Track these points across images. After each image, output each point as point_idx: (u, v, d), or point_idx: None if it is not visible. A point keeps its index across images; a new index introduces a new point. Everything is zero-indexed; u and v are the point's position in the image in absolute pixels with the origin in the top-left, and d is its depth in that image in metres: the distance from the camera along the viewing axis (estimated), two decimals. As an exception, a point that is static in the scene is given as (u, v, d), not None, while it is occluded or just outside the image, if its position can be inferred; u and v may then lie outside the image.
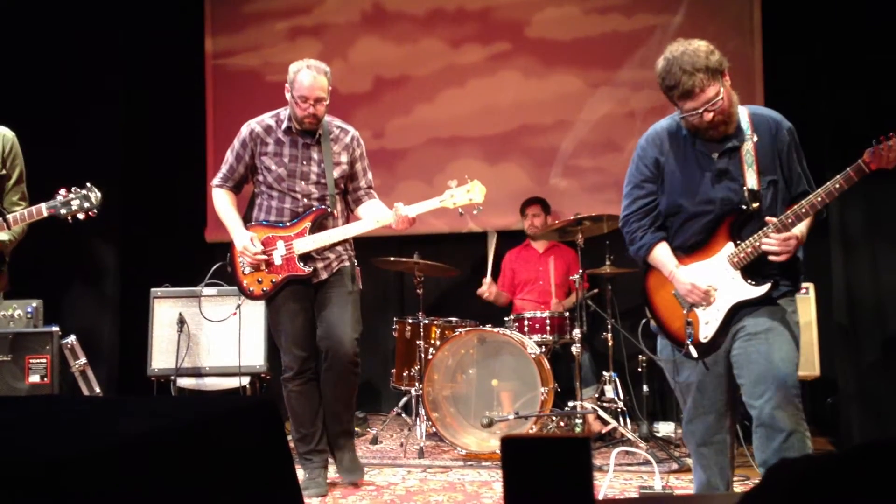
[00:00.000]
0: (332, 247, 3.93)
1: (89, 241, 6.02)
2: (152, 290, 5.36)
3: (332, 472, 4.12)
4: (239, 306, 4.33)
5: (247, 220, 4.05)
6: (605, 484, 4.00)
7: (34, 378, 4.68)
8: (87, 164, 5.81)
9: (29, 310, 4.89)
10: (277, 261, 3.90)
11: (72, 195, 3.94)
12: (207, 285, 5.22)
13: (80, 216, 3.96)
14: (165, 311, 5.29)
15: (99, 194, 3.96)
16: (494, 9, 6.30)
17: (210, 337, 5.24)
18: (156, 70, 6.39)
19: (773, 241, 2.72)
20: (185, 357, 5.19)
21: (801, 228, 2.75)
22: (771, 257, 2.74)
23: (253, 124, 4.00)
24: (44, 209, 3.94)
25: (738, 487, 3.67)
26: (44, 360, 4.71)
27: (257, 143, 3.96)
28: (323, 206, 3.91)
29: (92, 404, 2.52)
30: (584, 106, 6.11)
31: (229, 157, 4.06)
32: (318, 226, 3.90)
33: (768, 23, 5.71)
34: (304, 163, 3.91)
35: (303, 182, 3.92)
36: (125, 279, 6.14)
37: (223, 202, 4.09)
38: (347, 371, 3.94)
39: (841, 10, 4.83)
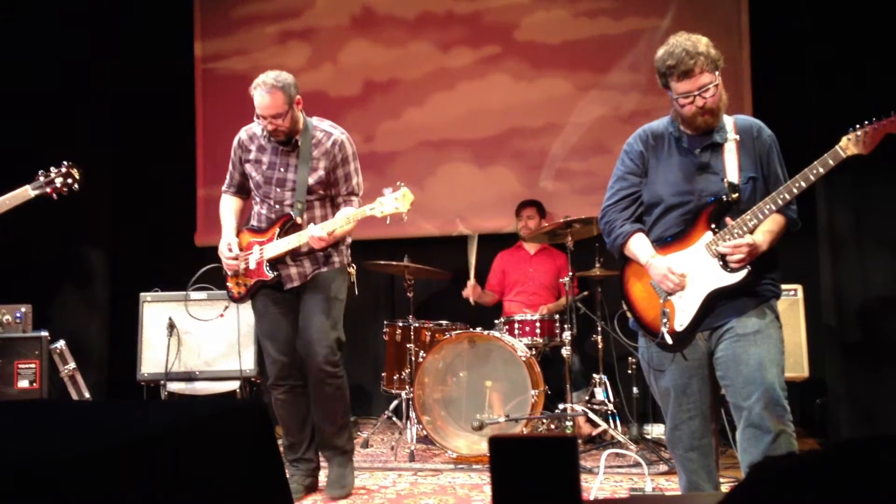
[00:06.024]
0: (310, 253, 3.90)
1: (78, 246, 6.01)
2: (142, 294, 5.35)
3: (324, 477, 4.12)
4: (227, 308, 4.35)
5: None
6: (596, 486, 4.01)
7: (23, 383, 4.66)
8: (76, 167, 5.81)
9: (18, 315, 4.86)
10: (252, 265, 3.93)
11: (52, 174, 4.15)
12: (196, 289, 5.22)
13: (64, 191, 4.21)
14: (155, 315, 5.28)
15: (77, 171, 4.19)
16: (484, 12, 6.32)
17: (200, 341, 5.23)
18: (145, 74, 6.38)
19: (726, 247, 2.79)
20: (174, 361, 5.18)
21: (760, 237, 2.80)
22: (731, 264, 2.80)
23: (241, 131, 4.07)
24: (30, 190, 4.10)
25: (726, 489, 3.68)
26: (33, 366, 4.69)
27: (242, 149, 4.04)
28: (289, 212, 3.91)
29: (86, 408, 2.52)
30: (574, 109, 6.13)
31: (230, 163, 4.13)
32: (287, 232, 3.87)
33: (756, 26, 5.74)
34: (282, 169, 3.92)
35: (278, 189, 3.92)
36: (114, 283, 6.13)
37: (224, 207, 4.15)
38: (319, 379, 3.89)
39: (829, 13, 4.86)
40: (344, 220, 3.73)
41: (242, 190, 4.13)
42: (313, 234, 3.71)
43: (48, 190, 4.15)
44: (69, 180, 4.19)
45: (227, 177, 4.14)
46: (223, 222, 4.09)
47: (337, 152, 3.91)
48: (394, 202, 3.66)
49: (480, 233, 6.13)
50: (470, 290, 5.64)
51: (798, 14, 5.26)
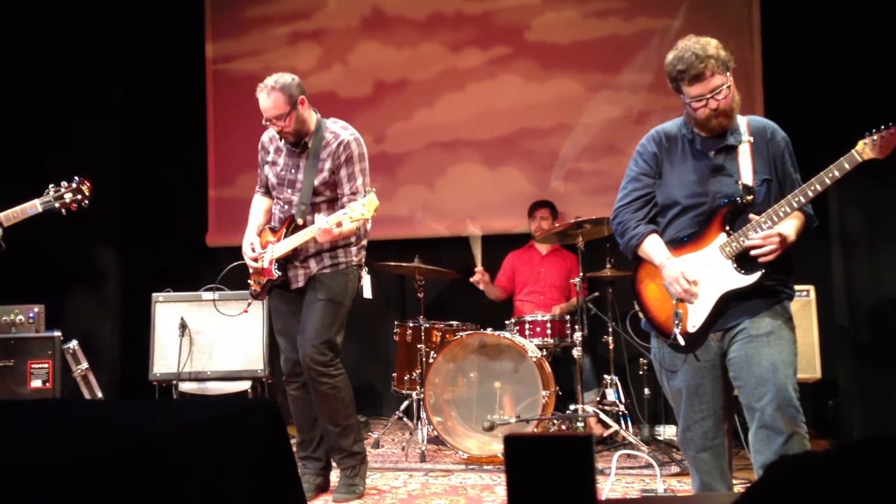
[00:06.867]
0: (316, 254, 3.91)
1: (91, 246, 6.04)
2: (154, 294, 5.37)
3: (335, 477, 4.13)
4: (249, 304, 4.36)
5: None
6: (607, 487, 4.00)
7: (36, 383, 4.69)
8: (87, 170, 5.83)
9: (31, 315, 4.89)
10: (265, 264, 3.96)
11: (62, 189, 4.17)
12: (208, 289, 5.23)
13: (73, 207, 4.20)
14: (167, 315, 5.30)
15: (87, 187, 4.19)
16: (494, 13, 6.31)
17: (211, 341, 5.25)
18: (156, 75, 6.41)
19: (756, 238, 2.76)
20: (186, 361, 5.20)
21: (787, 229, 2.78)
22: (760, 259, 2.76)
23: (264, 134, 4.12)
24: (38, 205, 4.14)
25: (739, 490, 3.67)
26: (46, 365, 4.71)
27: (263, 151, 4.11)
28: (293, 213, 3.94)
29: (99, 408, 2.53)
30: (584, 109, 6.11)
31: (259, 165, 4.18)
32: (292, 233, 3.90)
33: (768, 26, 5.72)
34: (293, 171, 3.96)
35: (288, 190, 3.96)
36: (127, 284, 6.16)
37: (253, 206, 4.20)
38: (311, 378, 3.89)
39: (841, 13, 4.84)
40: (330, 220, 3.68)
41: (270, 190, 4.18)
42: (321, 225, 3.70)
43: (57, 205, 4.16)
44: (79, 196, 4.20)
45: (258, 178, 4.20)
46: (249, 221, 4.14)
47: (341, 152, 3.88)
48: (361, 208, 3.63)
49: (490, 233, 6.14)
50: (479, 276, 5.61)
51: (810, 14, 5.24)
